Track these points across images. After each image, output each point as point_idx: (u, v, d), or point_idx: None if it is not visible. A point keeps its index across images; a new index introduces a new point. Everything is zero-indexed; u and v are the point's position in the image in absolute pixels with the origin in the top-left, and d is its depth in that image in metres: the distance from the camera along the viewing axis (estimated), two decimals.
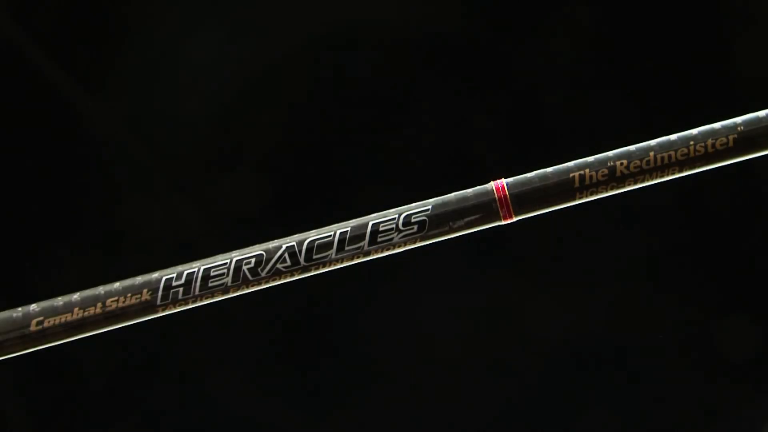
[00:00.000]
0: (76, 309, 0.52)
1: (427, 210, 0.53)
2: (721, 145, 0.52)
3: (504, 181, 0.53)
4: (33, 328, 0.51)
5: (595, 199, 0.53)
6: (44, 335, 0.52)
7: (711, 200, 1.28)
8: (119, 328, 0.53)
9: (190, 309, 0.53)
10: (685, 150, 0.52)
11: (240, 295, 0.54)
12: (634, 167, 0.52)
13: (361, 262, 0.54)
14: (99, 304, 0.52)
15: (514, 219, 0.53)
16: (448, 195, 0.54)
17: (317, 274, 0.54)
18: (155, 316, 0.53)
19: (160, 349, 1.27)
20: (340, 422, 1.33)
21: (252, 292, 0.53)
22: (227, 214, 1.31)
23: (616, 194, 0.53)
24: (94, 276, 0.58)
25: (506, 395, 1.33)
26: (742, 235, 1.30)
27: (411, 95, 1.34)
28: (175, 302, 0.52)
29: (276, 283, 0.53)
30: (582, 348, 1.31)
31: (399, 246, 0.53)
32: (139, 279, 0.52)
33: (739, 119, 0.52)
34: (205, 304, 0.53)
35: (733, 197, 1.28)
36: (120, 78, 1.29)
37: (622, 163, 0.52)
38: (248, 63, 1.28)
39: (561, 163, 0.53)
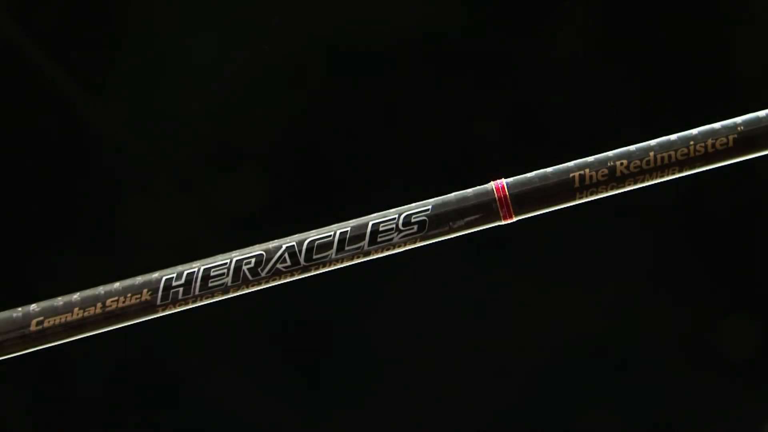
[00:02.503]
0: (76, 309, 0.52)
1: (427, 210, 0.53)
2: (721, 145, 0.52)
3: (504, 181, 0.53)
4: (33, 328, 0.51)
5: (595, 199, 0.53)
6: (44, 335, 0.52)
7: (711, 200, 1.28)
8: (119, 328, 0.53)
9: (190, 309, 0.53)
10: (685, 150, 0.52)
11: (240, 295, 0.54)
12: (634, 167, 0.52)
13: (361, 262, 0.54)
14: (99, 304, 0.52)
15: (514, 219, 0.53)
16: (448, 195, 0.54)
17: (317, 274, 0.54)
18: (155, 316, 0.53)
19: (160, 350, 1.27)
20: (341, 422, 1.33)
21: (252, 292, 0.53)
22: (227, 214, 1.31)
23: (616, 194, 0.53)
24: (94, 276, 0.58)
25: (506, 395, 1.33)
26: (742, 235, 1.30)
27: (411, 95, 1.34)
28: (175, 302, 0.52)
29: (276, 283, 0.53)
30: (582, 348, 1.31)
31: (399, 246, 0.53)
32: (139, 279, 0.52)
33: (739, 119, 0.52)
34: (205, 304, 0.53)
35: (733, 197, 1.28)
36: (120, 78, 1.29)
37: (622, 163, 0.52)
38: (248, 63, 1.28)
39: (561, 163, 0.53)
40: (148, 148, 1.29)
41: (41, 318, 0.52)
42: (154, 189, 1.32)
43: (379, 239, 0.53)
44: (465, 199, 0.53)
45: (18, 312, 0.52)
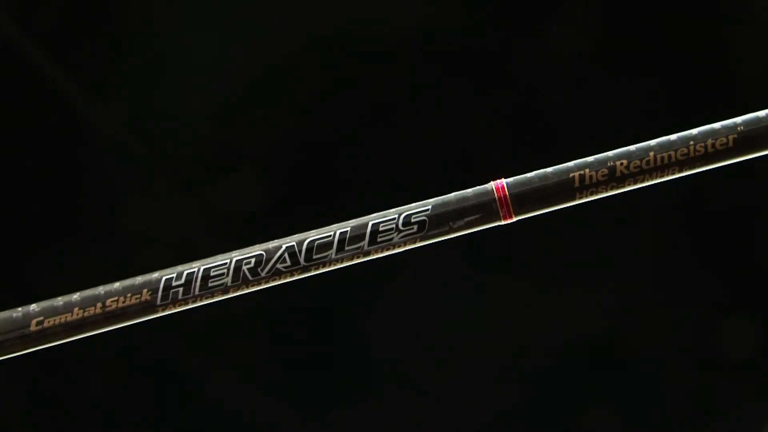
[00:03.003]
0: (76, 309, 0.52)
1: (427, 210, 0.53)
2: (721, 145, 0.52)
3: (504, 181, 0.53)
4: (33, 328, 0.51)
5: (595, 199, 0.53)
6: (44, 335, 0.52)
7: (711, 200, 1.28)
8: (119, 328, 0.53)
9: (189, 309, 0.53)
10: (685, 150, 0.52)
11: (240, 295, 0.54)
12: (634, 167, 0.52)
13: (361, 262, 0.54)
14: (99, 304, 0.52)
15: (514, 219, 0.53)
16: (448, 195, 0.54)
17: (317, 274, 0.54)
18: (155, 316, 0.53)
19: (160, 349, 1.27)
20: (341, 422, 1.33)
21: (252, 292, 0.53)
22: (227, 214, 1.31)
23: (615, 194, 0.53)
24: (94, 276, 0.58)
25: (505, 395, 1.33)
26: (743, 235, 1.29)
27: (411, 95, 1.34)
28: (175, 302, 0.52)
29: (276, 283, 0.53)
30: (582, 348, 1.31)
31: (399, 246, 0.53)
32: (139, 279, 0.52)
33: (739, 119, 0.52)
34: (205, 304, 0.53)
35: (733, 197, 1.28)
36: (120, 78, 1.29)
37: (622, 163, 0.52)
38: (248, 63, 1.28)
39: (561, 163, 0.53)
40: (148, 148, 1.29)
41: (41, 318, 0.51)
42: (154, 189, 1.32)
43: (379, 239, 0.53)
44: (465, 199, 0.53)
45: (18, 312, 0.52)
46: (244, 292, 0.53)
